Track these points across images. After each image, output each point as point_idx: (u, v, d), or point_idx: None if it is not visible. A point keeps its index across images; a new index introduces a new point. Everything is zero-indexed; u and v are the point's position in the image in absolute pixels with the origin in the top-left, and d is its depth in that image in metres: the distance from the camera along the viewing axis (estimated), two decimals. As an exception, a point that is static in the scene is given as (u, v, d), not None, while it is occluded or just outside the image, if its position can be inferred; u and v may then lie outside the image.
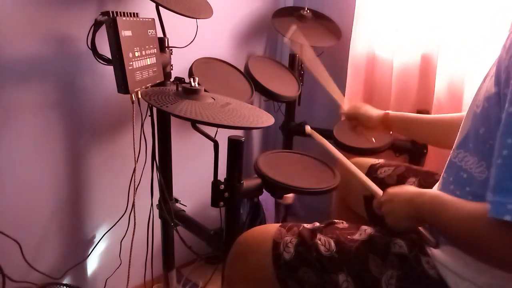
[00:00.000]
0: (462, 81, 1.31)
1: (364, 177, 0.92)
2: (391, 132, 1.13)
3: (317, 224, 0.84)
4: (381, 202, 0.80)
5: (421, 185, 0.97)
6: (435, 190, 0.83)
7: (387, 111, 1.08)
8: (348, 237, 0.78)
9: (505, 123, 0.55)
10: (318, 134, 1.02)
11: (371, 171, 1.08)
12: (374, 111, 1.11)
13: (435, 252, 0.71)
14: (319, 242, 0.78)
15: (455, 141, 0.73)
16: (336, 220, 0.85)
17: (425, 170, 1.04)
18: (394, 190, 0.79)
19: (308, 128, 1.06)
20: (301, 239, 0.79)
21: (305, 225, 0.84)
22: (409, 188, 0.77)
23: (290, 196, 1.55)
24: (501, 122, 0.56)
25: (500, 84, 0.58)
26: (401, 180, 1.01)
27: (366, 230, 0.79)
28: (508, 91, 0.55)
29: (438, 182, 0.80)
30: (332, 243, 0.77)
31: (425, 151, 1.44)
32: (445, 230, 0.67)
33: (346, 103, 1.20)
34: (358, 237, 0.78)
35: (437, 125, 1.00)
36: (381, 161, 1.12)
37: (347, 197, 1.16)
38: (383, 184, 0.88)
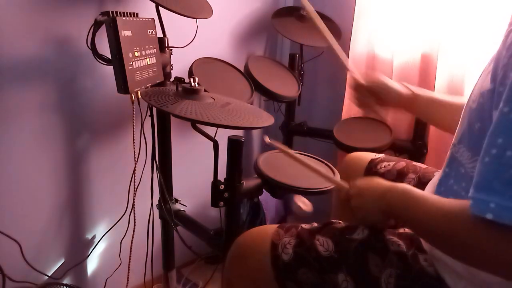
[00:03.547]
0: (462, 80, 1.31)
1: (323, 172, 0.89)
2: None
3: (315, 224, 0.84)
4: (350, 196, 0.80)
5: (420, 181, 0.96)
6: (432, 184, 0.82)
7: (414, 92, 0.98)
8: (347, 236, 0.78)
9: (497, 122, 0.54)
10: (279, 144, 0.90)
11: (371, 166, 1.06)
12: (399, 86, 0.99)
13: (432, 249, 0.71)
14: (317, 242, 0.78)
15: (455, 135, 0.73)
16: (333, 221, 0.85)
17: (425, 167, 1.03)
18: (362, 183, 0.78)
19: (267, 139, 0.89)
20: (299, 240, 0.79)
21: (303, 225, 0.84)
22: (379, 182, 0.76)
23: (307, 203, 1.43)
24: (493, 120, 0.55)
25: (496, 81, 0.58)
26: (400, 176, 1.00)
27: (364, 229, 0.79)
28: (503, 90, 0.54)
29: (439, 174, 0.78)
30: (331, 243, 0.77)
31: (425, 151, 1.44)
32: (419, 226, 0.66)
33: (358, 74, 1.04)
34: (357, 237, 0.78)
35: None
36: (381, 155, 1.09)
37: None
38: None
